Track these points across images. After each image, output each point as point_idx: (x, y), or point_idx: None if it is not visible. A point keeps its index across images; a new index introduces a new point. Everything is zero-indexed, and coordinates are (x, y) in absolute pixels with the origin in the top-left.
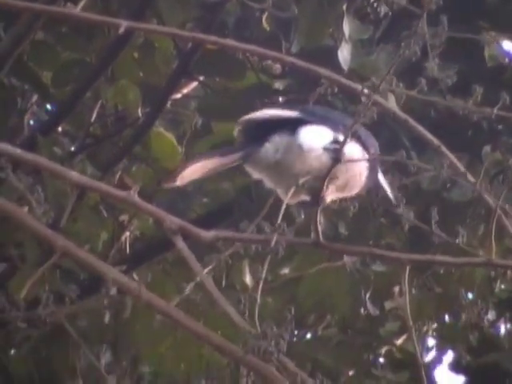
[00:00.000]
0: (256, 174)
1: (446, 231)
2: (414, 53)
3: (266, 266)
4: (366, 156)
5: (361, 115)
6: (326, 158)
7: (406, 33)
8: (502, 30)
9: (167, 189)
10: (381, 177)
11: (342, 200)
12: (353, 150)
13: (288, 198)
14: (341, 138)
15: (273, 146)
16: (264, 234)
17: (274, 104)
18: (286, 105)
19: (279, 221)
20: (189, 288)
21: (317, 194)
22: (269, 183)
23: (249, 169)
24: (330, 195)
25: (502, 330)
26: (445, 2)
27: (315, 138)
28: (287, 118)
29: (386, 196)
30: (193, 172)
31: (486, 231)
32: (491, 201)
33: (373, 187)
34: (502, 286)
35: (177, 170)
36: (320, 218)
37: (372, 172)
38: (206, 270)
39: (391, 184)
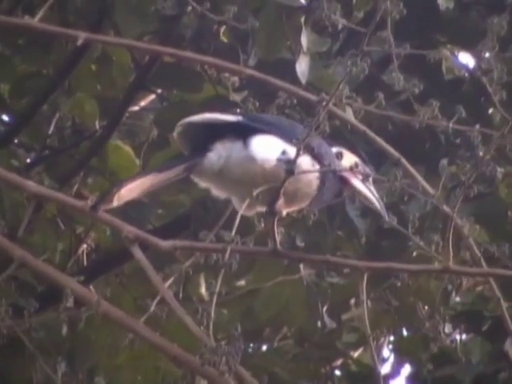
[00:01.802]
0: (204, 184)
1: (404, 243)
2: (363, 69)
3: (219, 280)
4: (318, 166)
5: (313, 126)
6: (279, 170)
7: (353, 51)
8: (459, 43)
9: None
10: (360, 185)
11: (295, 211)
12: (304, 160)
13: (242, 210)
14: (292, 148)
15: (216, 155)
16: (222, 243)
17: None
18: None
19: (233, 233)
20: (153, 305)
21: (271, 205)
22: (219, 192)
23: (195, 179)
24: (284, 206)
25: (458, 342)
26: (402, 16)
27: (267, 148)
28: (228, 121)
29: (370, 204)
30: (130, 191)
31: (442, 242)
32: (447, 211)
33: (326, 197)
34: (458, 299)
35: (112, 190)
36: (277, 228)
37: (325, 182)
38: (168, 282)
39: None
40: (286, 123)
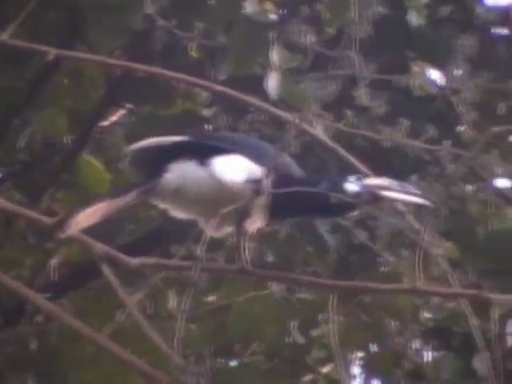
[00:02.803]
0: (163, 206)
1: (374, 259)
2: (334, 91)
3: (188, 297)
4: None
5: (285, 145)
6: (246, 190)
7: (324, 74)
8: (429, 60)
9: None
10: (387, 194)
11: (263, 227)
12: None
13: (211, 231)
14: (258, 167)
15: (171, 176)
16: (190, 261)
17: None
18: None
19: (200, 251)
20: (118, 317)
21: (239, 224)
22: (179, 213)
23: (154, 202)
24: (249, 225)
25: (428, 358)
26: (373, 33)
27: (232, 169)
28: (177, 143)
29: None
30: (86, 218)
31: (412, 259)
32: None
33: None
34: (427, 315)
35: (67, 217)
36: (246, 246)
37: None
38: (136, 299)
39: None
40: (252, 142)
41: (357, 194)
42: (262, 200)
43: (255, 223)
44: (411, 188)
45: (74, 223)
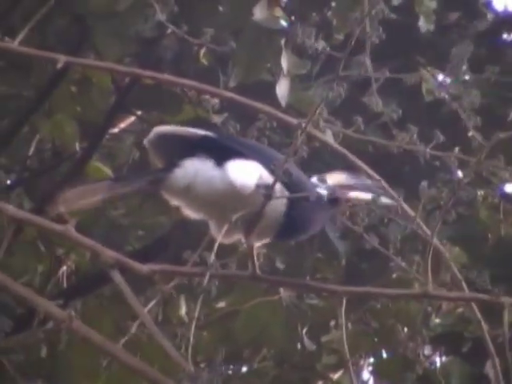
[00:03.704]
0: (174, 202)
1: (384, 265)
2: (339, 94)
3: (199, 304)
4: (286, 193)
5: (292, 151)
6: (257, 195)
7: (331, 76)
8: (438, 66)
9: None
10: (354, 195)
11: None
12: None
13: (220, 238)
14: (268, 173)
15: (182, 172)
16: (201, 267)
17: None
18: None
19: (212, 257)
20: (134, 328)
21: (249, 230)
22: (190, 212)
23: (165, 196)
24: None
25: (438, 364)
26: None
27: (245, 173)
28: (196, 134)
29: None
30: (77, 196)
31: (422, 265)
32: (427, 236)
33: (306, 225)
34: (437, 320)
35: (59, 195)
36: (256, 252)
37: (296, 209)
38: (148, 306)
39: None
40: (264, 148)
41: (328, 202)
42: (274, 211)
43: (261, 236)
44: (371, 184)
45: (62, 199)
